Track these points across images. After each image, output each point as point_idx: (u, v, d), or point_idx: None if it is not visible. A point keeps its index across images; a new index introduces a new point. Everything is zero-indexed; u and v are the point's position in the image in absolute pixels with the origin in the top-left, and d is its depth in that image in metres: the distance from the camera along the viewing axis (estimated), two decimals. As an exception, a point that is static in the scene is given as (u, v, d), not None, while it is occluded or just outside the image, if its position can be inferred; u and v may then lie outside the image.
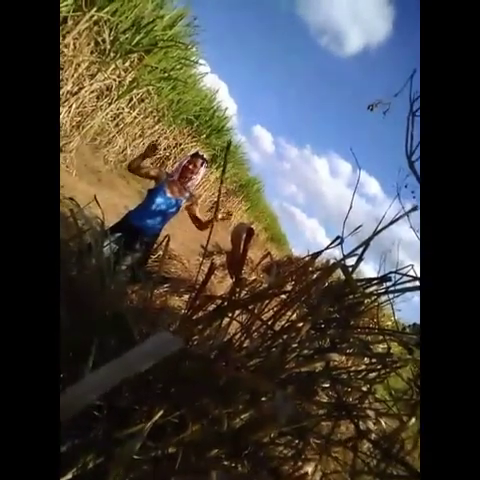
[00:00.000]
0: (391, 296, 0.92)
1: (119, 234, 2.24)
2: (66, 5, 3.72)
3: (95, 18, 4.15)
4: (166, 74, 6.18)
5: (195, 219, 2.48)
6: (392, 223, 0.82)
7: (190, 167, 2.38)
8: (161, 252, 2.86)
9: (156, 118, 7.39)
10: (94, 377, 0.38)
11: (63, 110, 4.58)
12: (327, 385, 0.83)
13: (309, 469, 0.70)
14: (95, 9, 3.98)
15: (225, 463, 0.70)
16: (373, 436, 0.72)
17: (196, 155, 2.45)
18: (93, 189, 4.92)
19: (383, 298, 0.93)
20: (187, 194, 2.42)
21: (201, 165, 2.42)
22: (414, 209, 0.79)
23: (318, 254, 0.94)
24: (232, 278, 0.81)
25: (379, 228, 0.89)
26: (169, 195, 2.35)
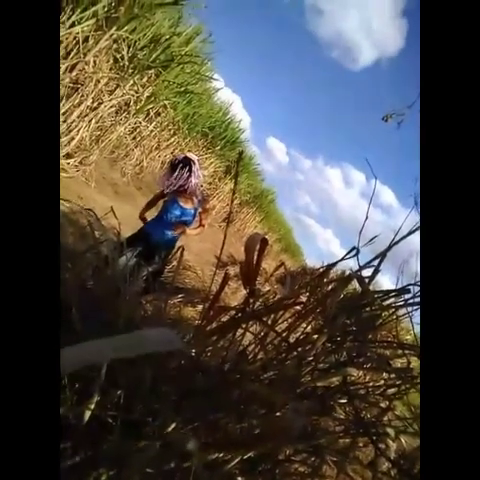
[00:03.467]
0: (410, 309, 0.89)
1: (139, 248, 2.27)
2: (88, 25, 3.88)
3: (115, 36, 4.31)
4: (182, 89, 6.33)
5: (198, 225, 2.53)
6: (410, 233, 0.80)
7: (174, 179, 2.30)
8: (175, 262, 2.88)
9: (172, 131, 7.55)
10: (82, 348, 0.38)
11: (83, 125, 4.73)
12: (344, 401, 0.80)
13: None
14: (115, 28, 4.14)
15: (239, 479, 0.68)
16: (392, 455, 0.69)
17: (175, 163, 2.33)
18: (110, 201, 5.03)
19: (402, 311, 0.91)
20: (197, 200, 2.42)
21: (183, 168, 2.27)
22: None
23: (334, 265, 0.92)
24: (246, 289, 0.80)
25: (396, 239, 0.87)
26: (183, 205, 2.38)
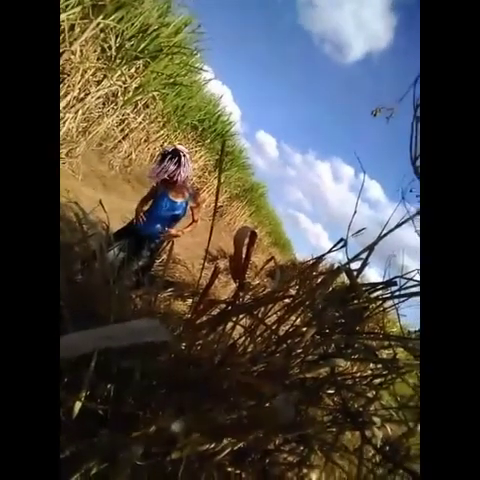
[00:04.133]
0: (396, 301, 0.91)
1: (126, 241, 2.25)
2: (73, 13, 3.78)
3: (101, 25, 4.21)
4: (171, 80, 6.23)
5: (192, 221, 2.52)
6: (398, 226, 0.81)
7: (162, 170, 2.25)
8: (165, 256, 2.87)
9: (161, 123, 7.45)
10: (76, 337, 0.38)
11: (69, 116, 4.63)
12: (332, 391, 0.82)
13: (314, 476, 0.69)
14: (102, 17, 4.04)
15: (229, 469, 0.69)
16: (379, 443, 0.71)
17: (164, 154, 2.30)
18: (98, 194, 4.96)
19: (388, 303, 0.92)
20: (188, 194, 2.40)
21: (172, 159, 2.25)
22: (419, 213, 0.79)
23: (322, 257, 0.93)
24: (235, 282, 0.81)
25: (384, 232, 0.88)
26: (173, 198, 2.36)
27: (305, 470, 0.75)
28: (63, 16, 3.67)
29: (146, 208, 2.46)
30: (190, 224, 2.51)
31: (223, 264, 5.18)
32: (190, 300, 2.83)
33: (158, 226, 2.36)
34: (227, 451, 0.71)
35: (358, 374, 0.89)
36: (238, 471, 0.73)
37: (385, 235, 0.87)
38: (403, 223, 0.83)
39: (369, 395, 0.80)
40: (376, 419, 0.72)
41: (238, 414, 0.69)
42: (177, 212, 2.39)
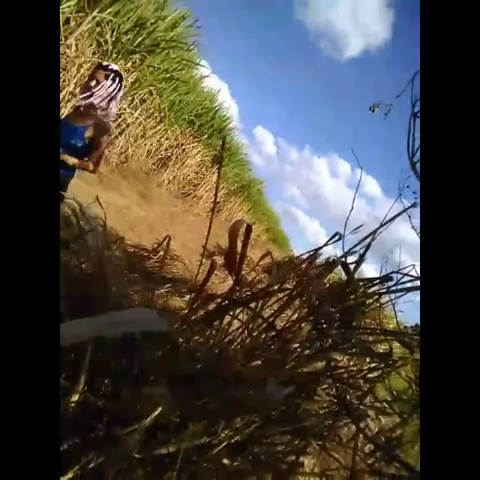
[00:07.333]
0: (393, 296, 0.92)
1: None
2: (68, 6, 3.74)
3: (97, 19, 4.17)
4: (168, 75, 6.19)
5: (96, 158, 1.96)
6: (392, 220, 0.82)
7: (91, 83, 1.87)
8: (162, 252, 2.86)
9: (158, 119, 7.40)
10: (76, 325, 0.39)
11: (65, 111, 4.59)
12: (328, 385, 0.83)
13: (305, 461, 0.70)
14: (97, 10, 4.00)
15: (226, 461, 0.70)
16: (373, 435, 0.72)
17: (99, 66, 1.91)
18: (95, 189, 4.93)
19: (385, 299, 0.93)
20: (93, 123, 1.90)
21: (106, 78, 1.87)
22: (413, 205, 0.80)
23: (318, 250, 0.94)
24: (231, 275, 0.81)
25: (380, 229, 0.89)
26: (69, 122, 1.91)
27: (301, 459, 0.75)
28: (58, 9, 3.63)
29: None
30: (85, 161, 1.94)
31: (220, 260, 5.18)
32: (187, 296, 2.83)
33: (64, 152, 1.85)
34: (224, 444, 0.72)
35: (355, 368, 0.90)
36: (235, 463, 0.74)
37: (379, 228, 0.88)
38: (397, 216, 0.84)
39: (364, 389, 0.81)
40: (371, 412, 0.73)
41: (230, 398, 0.70)
42: (72, 140, 1.88)
